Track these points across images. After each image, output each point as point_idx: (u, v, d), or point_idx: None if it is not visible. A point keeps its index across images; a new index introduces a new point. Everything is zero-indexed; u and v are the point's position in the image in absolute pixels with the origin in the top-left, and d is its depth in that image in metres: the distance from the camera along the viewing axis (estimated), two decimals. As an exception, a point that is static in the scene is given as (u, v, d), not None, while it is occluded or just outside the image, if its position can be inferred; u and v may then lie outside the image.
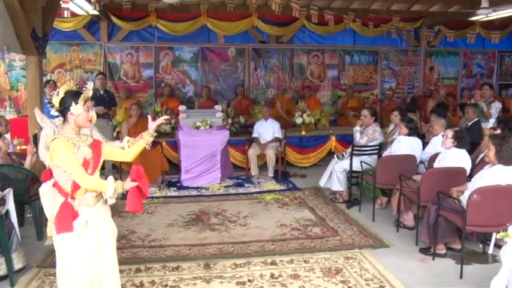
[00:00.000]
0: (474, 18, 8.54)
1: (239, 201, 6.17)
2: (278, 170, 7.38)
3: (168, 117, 3.84)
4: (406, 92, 10.66)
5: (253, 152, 7.36)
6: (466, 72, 11.03)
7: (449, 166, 4.51)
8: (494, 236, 4.29)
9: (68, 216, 2.64)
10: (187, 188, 6.79)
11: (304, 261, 4.17)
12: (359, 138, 6.08)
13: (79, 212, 2.69)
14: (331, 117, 9.52)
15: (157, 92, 9.48)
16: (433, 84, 10.76)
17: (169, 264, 4.09)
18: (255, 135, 7.57)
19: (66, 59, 9.16)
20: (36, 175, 4.50)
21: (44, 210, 3.74)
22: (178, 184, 6.95)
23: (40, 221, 4.63)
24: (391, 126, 6.46)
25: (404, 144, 5.40)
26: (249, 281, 3.79)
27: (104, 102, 7.13)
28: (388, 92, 10.01)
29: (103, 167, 2.86)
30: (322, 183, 6.27)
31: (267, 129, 7.53)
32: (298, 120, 8.09)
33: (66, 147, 2.60)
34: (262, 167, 7.53)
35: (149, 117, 3.10)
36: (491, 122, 6.58)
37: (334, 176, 6.00)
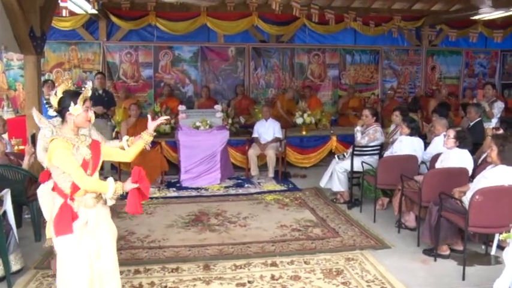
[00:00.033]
0: (476, 17, 8.55)
1: (239, 201, 6.17)
2: (278, 170, 7.38)
3: (168, 117, 3.83)
4: (408, 91, 10.65)
5: (253, 152, 7.35)
6: (468, 71, 11.02)
7: (451, 166, 4.50)
8: (496, 237, 4.26)
9: (67, 217, 2.63)
10: (186, 188, 6.79)
11: (305, 263, 4.16)
12: (360, 139, 6.08)
13: (79, 213, 2.69)
14: (332, 117, 9.52)
15: (156, 92, 9.47)
16: (434, 83, 10.75)
17: (169, 265, 4.09)
18: (255, 135, 7.57)
19: (65, 59, 9.16)
20: (35, 176, 4.49)
21: (42, 211, 3.77)
22: (178, 185, 6.95)
23: (38, 222, 4.63)
24: (392, 126, 6.45)
25: (406, 145, 5.39)
26: (249, 282, 3.78)
27: (103, 102, 7.13)
28: (389, 92, 9.98)
29: (102, 168, 2.85)
30: (323, 183, 6.26)
31: (267, 129, 7.53)
32: (299, 120, 8.08)
33: (65, 147, 2.59)
34: (263, 167, 7.52)
35: (149, 116, 3.10)
36: (494, 122, 6.57)
37: (335, 177, 6.00)
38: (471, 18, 8.76)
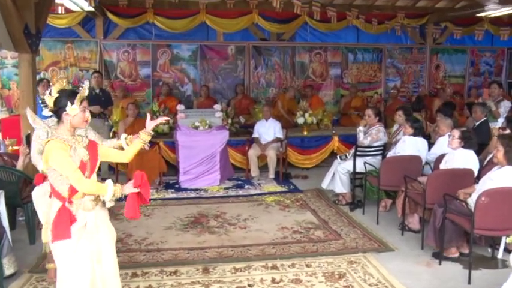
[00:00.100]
0: (482, 14, 8.53)
1: (239, 203, 6.16)
2: (279, 171, 7.37)
3: (168, 118, 3.82)
4: (411, 90, 10.65)
5: (253, 152, 7.34)
6: (474, 70, 11.01)
7: (456, 167, 4.50)
8: (503, 240, 4.27)
9: (65, 221, 2.61)
10: (185, 189, 6.78)
11: (306, 266, 4.16)
12: (362, 139, 6.07)
13: (77, 216, 2.67)
14: (334, 117, 9.51)
15: (154, 91, 9.46)
16: (439, 82, 10.75)
17: (167, 268, 4.08)
18: (255, 135, 7.56)
19: (61, 57, 9.15)
20: (29, 177, 4.48)
21: (37, 213, 3.76)
22: (177, 186, 6.94)
23: (33, 224, 4.62)
24: (396, 126, 6.45)
25: (409, 145, 5.38)
26: (249, 285, 3.77)
27: (100, 101, 7.12)
28: (392, 91, 9.99)
29: (99, 169, 2.83)
30: (325, 184, 6.25)
31: (267, 130, 7.52)
32: (300, 120, 8.08)
33: (62, 149, 2.56)
34: (263, 168, 7.52)
35: (148, 115, 3.09)
36: (500, 121, 6.56)
37: (337, 178, 5.99)
38: (477, 15, 8.74)
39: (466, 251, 4.25)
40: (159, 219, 5.46)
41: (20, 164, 4.62)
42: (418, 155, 5.31)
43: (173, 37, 9.42)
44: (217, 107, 7.68)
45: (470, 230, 3.82)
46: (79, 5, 7.57)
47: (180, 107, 7.60)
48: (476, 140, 4.62)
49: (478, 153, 4.75)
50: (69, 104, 2.59)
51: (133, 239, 4.81)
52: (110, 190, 2.63)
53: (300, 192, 6.65)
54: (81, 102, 2.63)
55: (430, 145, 5.60)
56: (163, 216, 5.57)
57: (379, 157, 5.92)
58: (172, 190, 6.75)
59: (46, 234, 2.78)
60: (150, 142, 3.10)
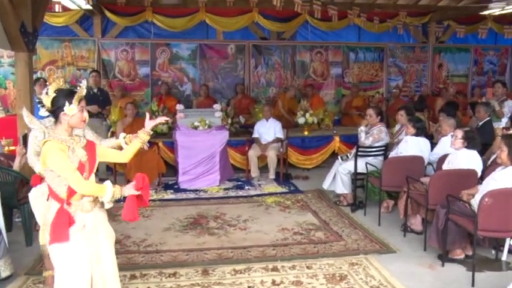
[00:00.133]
0: (486, 12, 8.51)
1: (239, 204, 6.16)
2: (279, 171, 7.37)
3: (168, 118, 3.82)
4: (414, 90, 10.65)
5: (253, 153, 7.34)
6: (477, 69, 11.02)
7: (459, 168, 4.49)
8: (507, 242, 4.27)
9: (64, 223, 2.60)
10: (184, 190, 6.78)
11: (307, 267, 4.15)
12: (364, 139, 6.06)
13: (75, 218, 2.66)
14: (335, 116, 9.52)
15: (153, 91, 9.47)
16: (441, 82, 10.75)
17: (166, 270, 4.07)
18: (255, 135, 7.56)
19: (58, 56, 9.15)
20: (26, 177, 4.48)
21: (34, 214, 3.76)
22: (176, 186, 6.94)
23: (29, 226, 4.61)
24: (398, 126, 6.46)
25: (412, 145, 5.38)
26: (249, 287, 3.77)
27: (98, 101, 7.12)
28: (394, 91, 9.99)
29: (97, 170, 2.82)
30: (326, 185, 6.25)
31: (268, 130, 7.52)
32: (301, 120, 8.08)
33: (60, 149, 2.55)
34: (263, 168, 7.51)
35: (147, 114, 3.08)
36: (504, 121, 6.57)
37: (338, 178, 5.99)
38: (480, 13, 8.72)
39: (469, 252, 4.25)
40: (157, 220, 5.45)
41: (16, 165, 4.62)
42: (420, 155, 5.31)
43: (172, 36, 9.42)
44: (216, 106, 7.68)
45: (473, 231, 3.81)
46: (77, 3, 7.57)
47: (179, 106, 7.60)
48: (480, 140, 4.62)
49: (481, 153, 4.75)
50: (67, 103, 2.58)
51: (131, 240, 4.81)
52: (109, 191, 2.63)
53: (301, 193, 6.65)
54: (79, 101, 2.62)
55: (433, 145, 5.60)
56: (162, 218, 5.57)
57: (381, 157, 5.92)
58: (171, 191, 6.74)
59: (43, 236, 2.77)
60: (149, 142, 3.10)
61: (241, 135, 7.85)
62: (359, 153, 5.89)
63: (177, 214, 5.68)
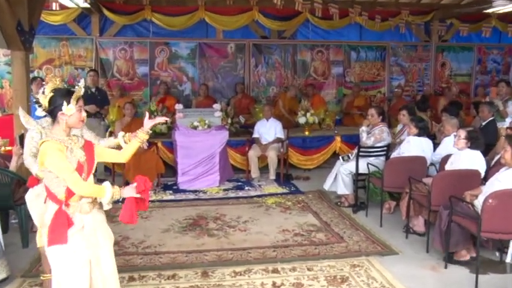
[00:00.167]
0: (490, 10, 8.50)
1: (239, 205, 6.16)
2: (280, 172, 7.37)
3: (168, 119, 3.81)
4: (416, 89, 10.64)
5: (253, 153, 7.34)
6: (481, 68, 10.99)
7: (462, 168, 4.49)
8: None
9: (62, 225, 2.59)
10: (184, 191, 6.77)
11: (308, 269, 4.15)
12: (365, 139, 6.06)
13: (74, 219, 2.65)
14: (336, 116, 9.50)
15: (152, 90, 9.46)
16: (444, 81, 10.74)
17: (165, 272, 4.07)
18: (255, 135, 7.56)
19: (55, 55, 9.14)
20: (23, 178, 4.47)
21: (31, 216, 3.75)
22: (175, 187, 6.94)
23: (26, 227, 4.61)
24: (400, 126, 6.45)
25: (414, 145, 5.38)
26: (249, 290, 3.77)
27: (96, 100, 7.12)
28: (396, 90, 9.96)
29: (95, 170, 2.81)
30: (327, 186, 6.25)
31: (268, 130, 7.52)
32: (301, 120, 8.08)
33: (58, 150, 2.54)
34: (263, 169, 7.51)
35: (147, 114, 3.07)
36: (508, 121, 6.55)
37: (340, 179, 5.99)
38: (484, 11, 8.71)
39: (472, 254, 4.24)
40: (156, 222, 5.45)
41: (13, 165, 4.61)
42: (422, 155, 5.30)
43: (171, 35, 9.42)
44: (216, 106, 7.68)
45: (477, 233, 3.80)
46: (74, 1, 7.57)
47: (179, 106, 7.60)
48: (483, 140, 4.61)
49: (485, 153, 4.74)
50: (65, 103, 2.57)
51: (130, 241, 4.81)
52: (108, 192, 2.62)
53: (302, 194, 6.64)
54: (77, 101, 2.61)
55: (435, 145, 5.60)
56: (161, 219, 5.56)
57: (383, 158, 5.92)
58: (171, 192, 6.74)
59: (41, 239, 2.75)
60: (148, 142, 3.09)
61: (241, 135, 7.85)
62: (360, 154, 5.89)
63: (176, 215, 5.67)
